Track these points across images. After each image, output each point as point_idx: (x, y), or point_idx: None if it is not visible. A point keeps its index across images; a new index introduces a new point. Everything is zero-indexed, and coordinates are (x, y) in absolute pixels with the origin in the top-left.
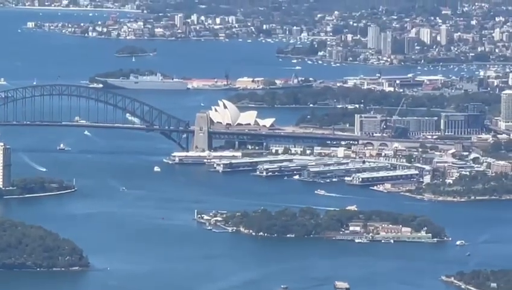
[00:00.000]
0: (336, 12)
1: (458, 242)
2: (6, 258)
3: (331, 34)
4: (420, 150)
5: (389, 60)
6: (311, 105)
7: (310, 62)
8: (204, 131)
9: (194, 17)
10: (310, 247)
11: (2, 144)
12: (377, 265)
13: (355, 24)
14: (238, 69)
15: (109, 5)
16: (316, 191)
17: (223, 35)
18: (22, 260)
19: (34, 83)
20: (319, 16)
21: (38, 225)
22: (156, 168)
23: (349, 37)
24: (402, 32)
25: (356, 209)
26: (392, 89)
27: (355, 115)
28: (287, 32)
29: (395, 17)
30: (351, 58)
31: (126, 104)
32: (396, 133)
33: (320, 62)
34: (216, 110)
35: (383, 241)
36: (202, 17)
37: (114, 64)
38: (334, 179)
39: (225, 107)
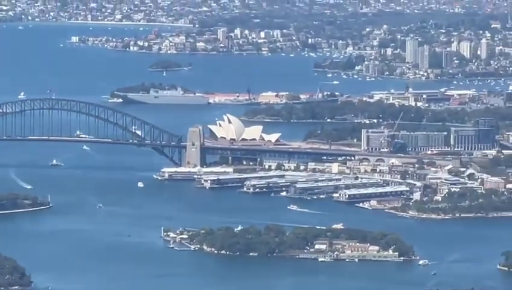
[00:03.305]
0: (384, 26)
1: (421, 262)
2: None
3: (377, 48)
4: (417, 166)
5: (425, 74)
6: (328, 120)
7: (345, 76)
8: (196, 146)
9: (237, 31)
10: (271, 266)
11: None
12: (336, 285)
13: (402, 38)
14: (269, 83)
15: (163, 19)
16: (288, 207)
17: (266, 49)
18: None
19: (53, 97)
20: (367, 29)
21: None
22: (140, 184)
23: (389, 51)
24: (448, 46)
25: (342, 227)
26: (419, 103)
27: (362, 130)
28: (333, 47)
29: (443, 30)
30: (387, 73)
31: (117, 118)
32: (394, 149)
33: (355, 76)
34: (220, 125)
35: (347, 260)
36: (246, 31)
37: (145, 79)
38: (321, 196)
39: (229, 121)
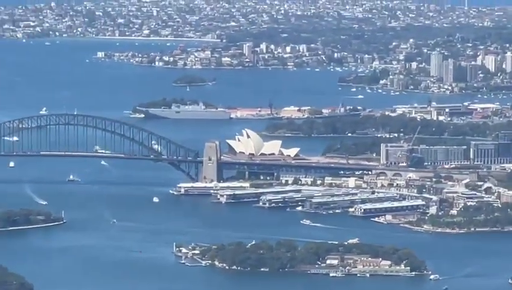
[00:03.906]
0: (411, 40)
1: (432, 276)
2: None
3: (402, 62)
4: (434, 180)
5: (450, 88)
6: (349, 134)
7: (369, 91)
8: (213, 161)
9: (263, 45)
10: (282, 281)
11: None
12: None
13: (428, 52)
14: (292, 97)
15: (190, 34)
16: (301, 221)
17: (292, 64)
18: None
19: (75, 112)
20: (393, 43)
21: None
22: (155, 199)
23: (414, 65)
24: (473, 59)
25: (358, 241)
26: (442, 117)
27: (381, 145)
28: (359, 61)
29: (470, 44)
30: (412, 87)
31: (133, 134)
32: (412, 163)
33: (380, 91)
34: (239, 140)
35: (358, 275)
36: (272, 46)
37: (169, 94)
38: (337, 210)
39: (248, 136)
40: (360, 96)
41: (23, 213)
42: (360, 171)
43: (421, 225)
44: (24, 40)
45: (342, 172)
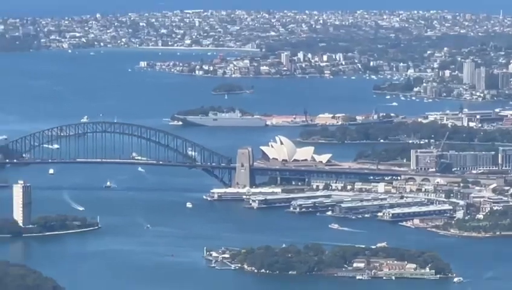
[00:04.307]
0: (445, 48)
1: (456, 279)
2: None
3: (436, 70)
4: (461, 185)
5: (482, 95)
6: (381, 140)
7: (403, 98)
8: (245, 167)
9: (300, 54)
10: (309, 284)
11: (22, 182)
12: None
13: (461, 60)
14: (328, 105)
15: (231, 44)
16: (329, 226)
17: (328, 72)
18: None
19: (115, 120)
20: (428, 52)
21: (23, 263)
22: (188, 205)
23: (447, 72)
24: (505, 68)
25: (386, 245)
26: (472, 124)
27: (411, 150)
28: (394, 69)
29: (503, 53)
30: (445, 94)
31: (168, 141)
32: (440, 168)
33: (414, 98)
34: (272, 147)
35: (384, 278)
36: (309, 55)
37: (207, 102)
38: (366, 215)
39: (281, 143)
40: (394, 104)
41: (59, 219)
42: (390, 177)
43: (448, 229)
44: (70, 51)
45: (371, 177)
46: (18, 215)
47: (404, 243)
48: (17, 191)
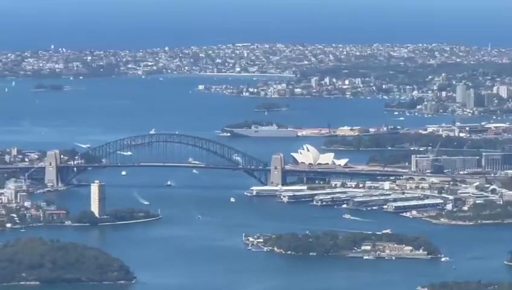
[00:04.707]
0: (443, 74)
1: (443, 259)
2: (65, 274)
3: (436, 91)
4: (451, 183)
5: (471, 111)
6: (389, 148)
7: (408, 114)
8: (278, 170)
9: (327, 79)
10: (326, 263)
11: (98, 181)
12: (376, 277)
13: (456, 83)
14: (348, 119)
15: (272, 70)
16: (343, 216)
17: (349, 93)
18: (78, 275)
19: (176, 132)
20: (429, 77)
21: (97, 247)
22: (232, 199)
23: (444, 93)
24: (490, 89)
25: (389, 232)
26: (462, 134)
27: (412, 156)
28: (402, 91)
29: (489, 77)
30: (441, 110)
31: (216, 148)
32: (434, 170)
33: (416, 114)
34: (300, 153)
35: (386, 258)
36: (334, 79)
37: (250, 117)
38: (374, 207)
39: (308, 150)
40: (401, 118)
41: (128, 211)
42: (393, 177)
43: (439, 218)
44: (143, 77)
45: (379, 177)
46: (95, 208)
47: (404, 230)
48: (94, 189)
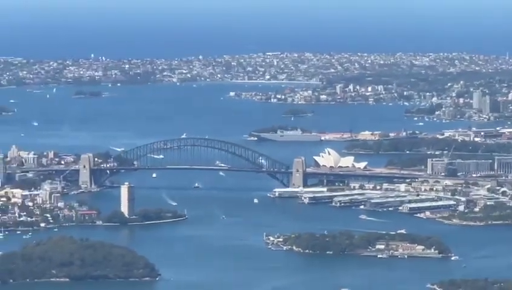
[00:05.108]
0: (461, 81)
1: (453, 257)
2: (93, 271)
3: (454, 98)
4: (464, 185)
5: (487, 117)
6: (407, 152)
7: (427, 119)
8: (300, 172)
9: (351, 86)
10: (342, 261)
11: (127, 183)
12: (389, 275)
13: (473, 90)
14: (370, 124)
15: (300, 78)
16: (359, 216)
17: (372, 100)
18: (105, 272)
19: (206, 137)
20: (449, 84)
21: (125, 245)
22: (255, 201)
23: (461, 100)
24: (506, 96)
25: (404, 232)
26: (477, 139)
27: (428, 159)
28: (422, 97)
29: (505, 84)
30: (458, 116)
31: (241, 152)
32: (448, 173)
33: (435, 119)
34: (322, 156)
35: (399, 256)
36: (357, 86)
37: (277, 122)
38: (390, 208)
39: (329, 154)
40: (420, 124)
41: (155, 211)
42: (409, 179)
43: (451, 219)
44: (178, 84)
45: (395, 180)
46: (124, 208)
47: (417, 230)
48: (124, 190)
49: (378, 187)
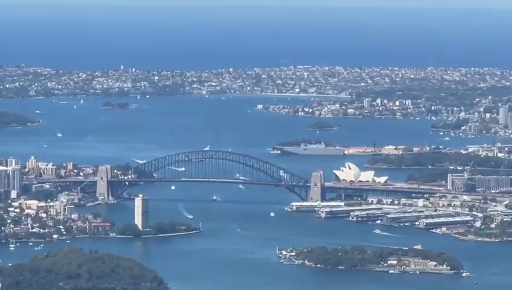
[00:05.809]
0: (489, 96)
1: (464, 274)
2: (100, 284)
3: (482, 113)
4: (482, 201)
5: None
6: (429, 166)
7: (453, 134)
8: (318, 186)
9: (378, 100)
10: (353, 276)
11: (141, 195)
12: None
13: (501, 106)
14: (395, 139)
15: (329, 92)
16: (374, 231)
17: (399, 114)
18: (113, 285)
19: (229, 149)
20: (477, 99)
21: (134, 258)
22: (272, 214)
23: (488, 115)
24: None
25: (421, 247)
26: (501, 154)
27: (448, 174)
28: (449, 112)
29: None
30: (484, 131)
31: (259, 165)
32: (466, 188)
33: (461, 134)
34: (342, 171)
35: (411, 272)
36: (385, 101)
37: (303, 136)
38: (406, 224)
39: (349, 168)
40: (446, 139)
41: (170, 224)
42: (427, 194)
43: (467, 235)
44: (207, 96)
45: (413, 195)
46: (138, 220)
47: (432, 246)
48: (138, 203)
49: (396, 202)
